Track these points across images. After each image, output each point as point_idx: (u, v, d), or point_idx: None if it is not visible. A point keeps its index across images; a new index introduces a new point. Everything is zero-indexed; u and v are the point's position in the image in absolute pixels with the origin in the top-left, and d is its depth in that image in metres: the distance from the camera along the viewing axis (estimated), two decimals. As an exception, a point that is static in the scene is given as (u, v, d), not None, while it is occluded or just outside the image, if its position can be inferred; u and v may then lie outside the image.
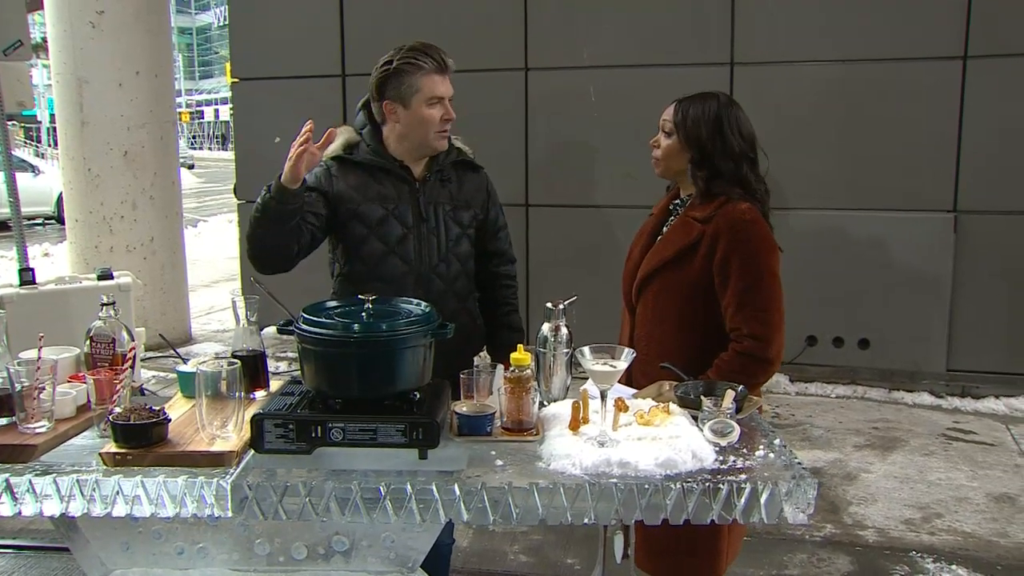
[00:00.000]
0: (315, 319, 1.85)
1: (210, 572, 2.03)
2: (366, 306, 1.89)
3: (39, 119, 36.69)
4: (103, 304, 2.15)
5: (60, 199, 15.93)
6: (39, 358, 1.85)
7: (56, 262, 10.88)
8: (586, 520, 1.71)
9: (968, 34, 5.64)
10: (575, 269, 6.41)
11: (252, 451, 1.83)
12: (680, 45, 6.15)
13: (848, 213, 5.97)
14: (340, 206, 2.57)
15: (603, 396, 1.83)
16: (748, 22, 6.03)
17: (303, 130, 2.27)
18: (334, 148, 2.62)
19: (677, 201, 2.51)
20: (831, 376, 6.03)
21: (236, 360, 1.87)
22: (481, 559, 3.67)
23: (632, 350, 1.83)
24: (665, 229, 2.49)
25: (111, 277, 4.93)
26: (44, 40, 10.39)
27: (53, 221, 16.67)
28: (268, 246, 2.47)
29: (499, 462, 1.81)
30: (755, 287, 2.31)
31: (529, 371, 1.96)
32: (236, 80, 7.23)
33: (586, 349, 1.83)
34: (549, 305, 2.11)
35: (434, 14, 6.62)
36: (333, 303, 1.98)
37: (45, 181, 16.36)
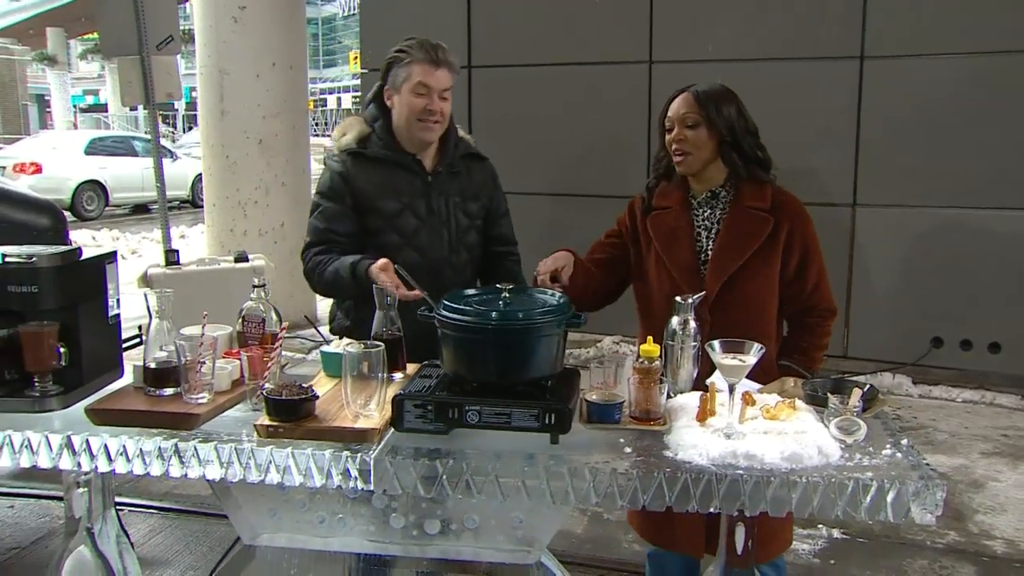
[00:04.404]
0: (456, 306, 1.94)
1: (348, 541, 2.16)
2: (503, 295, 1.98)
3: (175, 107, 38.38)
4: (255, 286, 2.29)
5: (195, 184, 16.77)
6: (203, 334, 2.00)
7: (191, 244, 11.42)
8: (712, 509, 1.76)
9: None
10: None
11: (392, 429, 1.94)
12: (808, 38, 6.04)
13: (983, 212, 5.75)
14: (358, 203, 2.69)
15: (731, 389, 1.86)
16: (880, 13, 5.86)
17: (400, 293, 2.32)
18: (348, 141, 2.74)
19: (707, 194, 2.48)
20: (957, 380, 5.82)
21: (379, 343, 1.98)
22: (595, 546, 3.72)
23: (761, 346, 1.85)
24: (714, 223, 2.46)
25: (247, 259, 5.20)
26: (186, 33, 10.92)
27: (188, 205, 17.50)
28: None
29: (628, 449, 1.86)
30: (822, 264, 2.49)
31: (658, 363, 2.01)
32: (365, 71, 7.45)
33: (716, 343, 1.86)
34: (678, 299, 2.15)
35: (559, 6, 6.69)
36: (472, 291, 2.07)
37: (181, 166, 17.13)
